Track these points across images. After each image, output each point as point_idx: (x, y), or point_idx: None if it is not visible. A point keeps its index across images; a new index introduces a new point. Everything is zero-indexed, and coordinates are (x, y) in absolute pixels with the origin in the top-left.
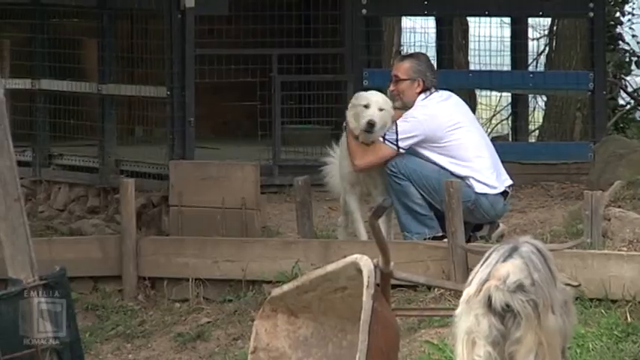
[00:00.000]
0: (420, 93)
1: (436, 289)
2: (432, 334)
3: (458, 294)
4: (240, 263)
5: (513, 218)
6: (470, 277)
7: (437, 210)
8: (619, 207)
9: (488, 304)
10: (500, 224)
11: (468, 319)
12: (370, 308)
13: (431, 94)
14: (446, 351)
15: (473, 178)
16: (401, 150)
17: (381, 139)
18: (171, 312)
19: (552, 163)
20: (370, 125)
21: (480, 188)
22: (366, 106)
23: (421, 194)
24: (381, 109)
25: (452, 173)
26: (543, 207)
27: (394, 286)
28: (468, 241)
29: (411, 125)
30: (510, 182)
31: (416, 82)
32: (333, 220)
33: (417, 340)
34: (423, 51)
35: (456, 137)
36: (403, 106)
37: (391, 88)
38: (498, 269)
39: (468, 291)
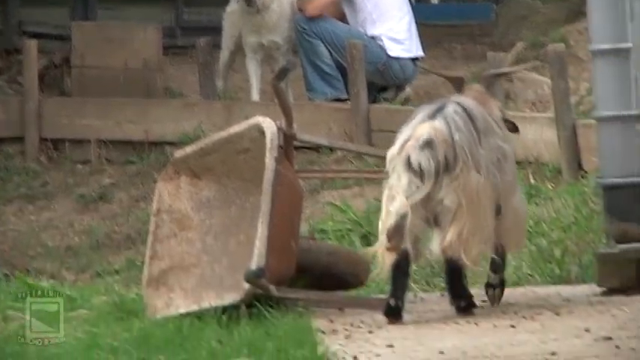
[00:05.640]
0: None
1: (339, 151)
2: (334, 196)
3: (360, 156)
4: (142, 125)
5: (416, 80)
6: (396, 137)
7: (345, 72)
8: None
9: (408, 163)
10: (407, 88)
11: (392, 177)
12: (273, 169)
13: None
14: (348, 212)
15: (388, 37)
16: None
17: None
18: (74, 173)
19: (455, 24)
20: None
21: (392, 50)
22: None
23: (331, 53)
24: None
25: (366, 33)
26: (446, 68)
27: (297, 148)
28: (373, 102)
29: None
30: (422, 54)
31: None
32: (236, 82)
33: (320, 202)
34: None
35: None
36: None
37: None
38: (417, 129)
39: (392, 151)
